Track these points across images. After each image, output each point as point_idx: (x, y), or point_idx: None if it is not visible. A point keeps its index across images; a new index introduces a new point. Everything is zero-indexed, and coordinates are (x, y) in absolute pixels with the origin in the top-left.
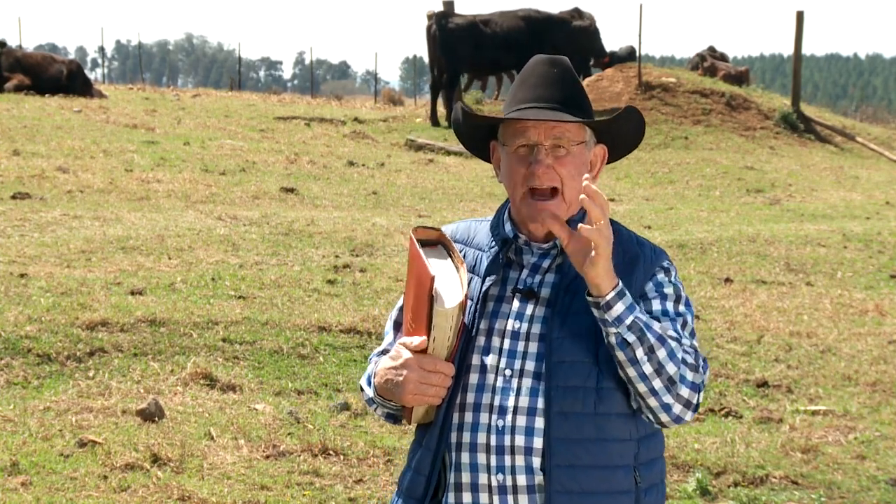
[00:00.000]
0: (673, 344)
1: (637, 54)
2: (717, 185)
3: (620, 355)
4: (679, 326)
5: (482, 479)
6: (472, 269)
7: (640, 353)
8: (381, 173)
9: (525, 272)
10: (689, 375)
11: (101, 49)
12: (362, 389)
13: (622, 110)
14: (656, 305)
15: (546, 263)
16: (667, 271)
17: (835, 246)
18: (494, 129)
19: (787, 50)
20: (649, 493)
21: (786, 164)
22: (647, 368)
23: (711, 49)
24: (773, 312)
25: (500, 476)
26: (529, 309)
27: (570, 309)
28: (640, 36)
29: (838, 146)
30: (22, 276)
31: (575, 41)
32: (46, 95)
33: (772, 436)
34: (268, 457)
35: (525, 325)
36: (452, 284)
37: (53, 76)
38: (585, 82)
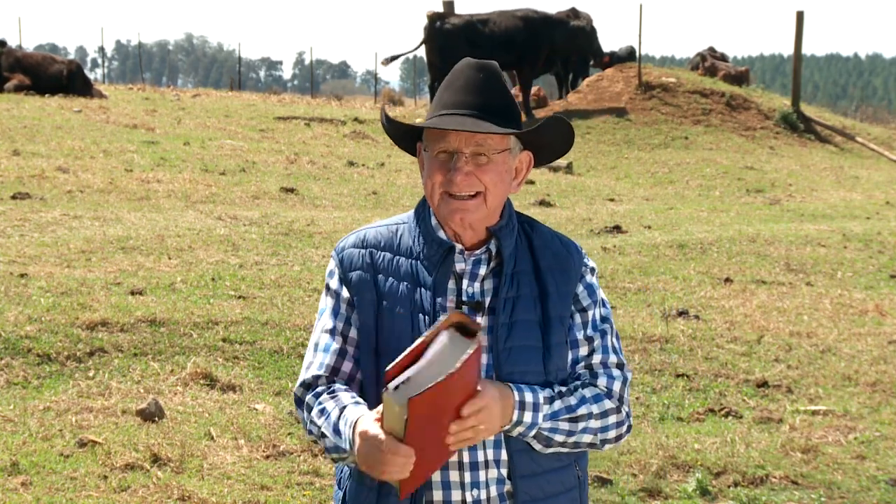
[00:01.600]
0: (586, 422)
1: (637, 54)
2: (717, 185)
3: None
4: (609, 340)
5: (455, 496)
6: (412, 279)
7: (558, 444)
8: (381, 173)
9: (465, 282)
10: (612, 418)
11: (101, 49)
12: (324, 436)
13: (545, 121)
14: (584, 303)
15: (482, 270)
16: (592, 271)
17: (835, 246)
18: (421, 129)
19: (787, 50)
20: (585, 483)
21: (786, 164)
22: (571, 446)
23: (712, 49)
24: (773, 312)
25: (475, 491)
26: (476, 320)
27: (513, 317)
28: (640, 36)
29: (838, 146)
30: (22, 276)
31: (573, 41)
32: (46, 95)
33: (772, 436)
34: (268, 457)
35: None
36: (431, 371)
37: (53, 76)
38: (585, 82)
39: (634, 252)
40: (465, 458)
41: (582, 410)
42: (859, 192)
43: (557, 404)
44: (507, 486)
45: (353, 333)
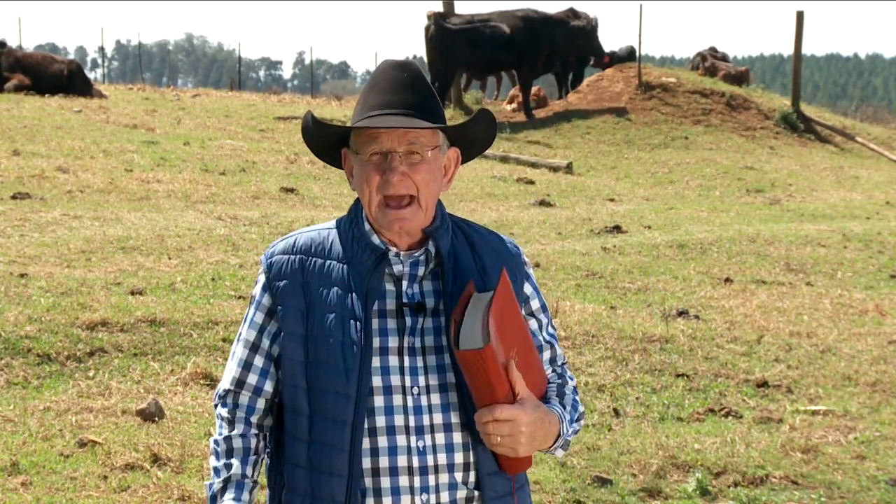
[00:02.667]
0: (581, 421)
1: (637, 54)
2: (717, 185)
3: None
4: (558, 345)
5: (405, 501)
6: (343, 285)
7: (564, 452)
8: None
9: (404, 283)
10: (581, 409)
11: (101, 49)
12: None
13: (477, 114)
14: (535, 305)
15: (420, 271)
16: (528, 265)
17: (835, 246)
18: (346, 137)
19: (787, 50)
20: (523, 482)
21: (786, 164)
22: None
23: (712, 49)
24: (773, 312)
25: (425, 496)
26: (420, 322)
27: None
28: (640, 36)
29: (838, 146)
30: (22, 276)
31: (573, 41)
32: (46, 95)
33: (772, 436)
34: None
35: (419, 340)
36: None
37: (53, 76)
38: (585, 82)
39: (634, 252)
40: (415, 463)
41: (580, 408)
42: (859, 192)
43: (569, 409)
44: (462, 493)
45: (265, 345)
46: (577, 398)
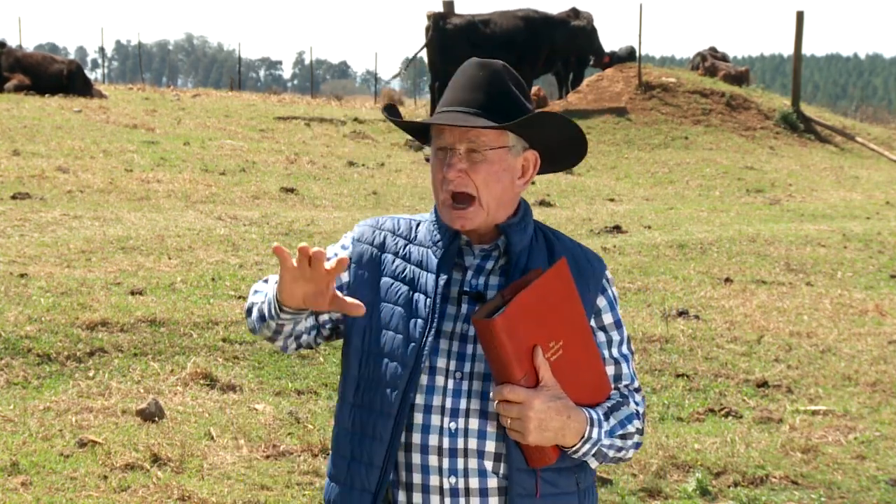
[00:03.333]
0: (631, 439)
1: (637, 54)
2: (717, 185)
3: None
4: (632, 366)
5: (433, 480)
6: (420, 265)
7: (608, 460)
8: (381, 173)
9: (469, 273)
10: (637, 438)
11: (101, 49)
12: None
13: (529, 115)
14: (607, 320)
15: (489, 265)
16: (610, 282)
17: (835, 246)
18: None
19: (787, 50)
20: (587, 495)
21: (786, 164)
22: (612, 461)
23: (713, 49)
24: (773, 312)
25: (453, 479)
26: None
27: None
28: (640, 36)
29: (838, 146)
30: (22, 276)
31: (573, 41)
32: (46, 95)
33: (772, 436)
34: (268, 457)
35: (472, 329)
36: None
37: (53, 76)
38: (585, 82)
39: (634, 252)
40: (445, 444)
41: (630, 428)
42: (859, 192)
43: (612, 420)
44: (493, 482)
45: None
46: (633, 421)
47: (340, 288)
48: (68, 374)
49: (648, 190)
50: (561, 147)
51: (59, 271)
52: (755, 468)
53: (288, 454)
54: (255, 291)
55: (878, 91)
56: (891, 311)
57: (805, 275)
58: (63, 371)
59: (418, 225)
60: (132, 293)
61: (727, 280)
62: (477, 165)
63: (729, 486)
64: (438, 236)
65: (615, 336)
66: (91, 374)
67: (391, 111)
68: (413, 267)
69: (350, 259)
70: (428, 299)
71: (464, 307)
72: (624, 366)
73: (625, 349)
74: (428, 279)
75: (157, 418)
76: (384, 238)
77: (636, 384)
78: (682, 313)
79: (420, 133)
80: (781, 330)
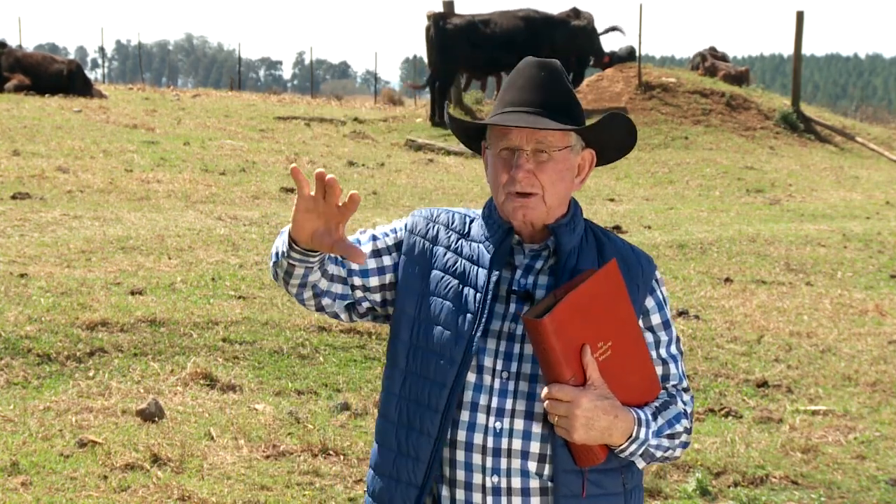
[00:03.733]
0: (679, 439)
1: (637, 54)
2: (717, 185)
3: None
4: (681, 366)
5: (476, 478)
6: (472, 260)
7: (655, 460)
8: (381, 173)
9: (518, 273)
10: (685, 437)
11: (101, 49)
12: (279, 257)
13: (604, 118)
14: (655, 320)
15: (539, 265)
16: (660, 283)
17: (835, 246)
18: (485, 128)
19: (787, 50)
20: (633, 495)
21: (786, 164)
22: (659, 461)
23: (713, 49)
24: (773, 312)
25: (496, 478)
26: (524, 311)
27: None
28: (640, 36)
29: (838, 146)
30: (22, 276)
31: (573, 41)
32: (46, 95)
33: (772, 436)
34: (268, 457)
35: (520, 328)
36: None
37: (53, 76)
38: (585, 82)
39: None
40: (489, 443)
41: (678, 427)
42: (859, 192)
43: (660, 420)
44: (535, 483)
45: (378, 245)
46: (680, 421)
47: (385, 271)
48: (68, 374)
49: (648, 190)
50: (616, 147)
51: (59, 271)
52: (755, 468)
53: (288, 454)
54: (280, 234)
55: (878, 91)
56: (891, 311)
57: (805, 275)
58: (63, 371)
59: (472, 221)
60: (132, 293)
61: (727, 280)
62: (543, 165)
63: (729, 486)
64: (491, 233)
65: (663, 336)
66: (91, 374)
67: (453, 120)
68: (464, 261)
69: (401, 251)
70: (478, 294)
71: (512, 306)
72: (672, 366)
73: (673, 349)
74: (479, 274)
75: (157, 418)
76: (437, 231)
77: (685, 384)
78: (682, 313)
79: (470, 137)
80: (781, 330)
